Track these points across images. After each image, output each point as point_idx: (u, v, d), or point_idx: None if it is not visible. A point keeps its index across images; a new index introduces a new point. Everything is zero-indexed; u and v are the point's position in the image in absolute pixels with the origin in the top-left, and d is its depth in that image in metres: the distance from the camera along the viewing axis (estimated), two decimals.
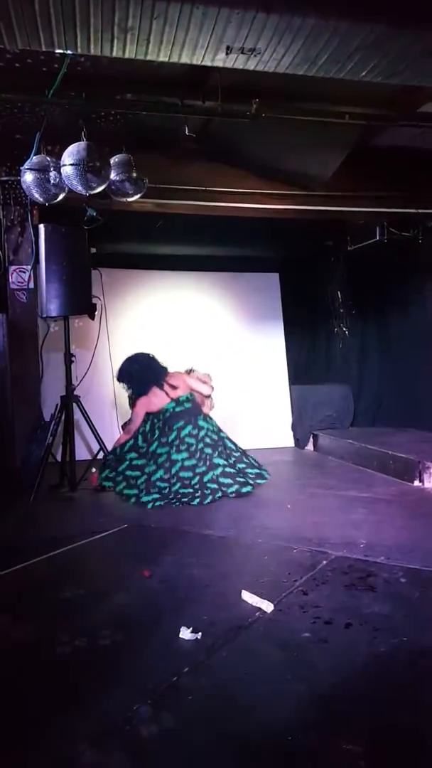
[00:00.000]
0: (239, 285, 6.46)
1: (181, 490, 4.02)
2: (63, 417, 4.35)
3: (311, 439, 6.23)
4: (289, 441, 6.33)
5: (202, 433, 4.20)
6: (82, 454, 4.94)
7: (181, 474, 4.05)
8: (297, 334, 6.85)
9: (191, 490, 4.03)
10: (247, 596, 2.36)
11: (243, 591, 2.40)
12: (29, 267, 4.57)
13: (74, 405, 4.35)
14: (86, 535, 3.27)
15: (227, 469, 4.16)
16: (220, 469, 4.14)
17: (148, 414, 4.28)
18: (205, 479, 4.07)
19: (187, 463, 4.09)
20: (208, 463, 4.13)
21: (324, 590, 2.47)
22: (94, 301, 4.47)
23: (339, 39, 2.58)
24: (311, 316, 6.98)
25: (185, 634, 2.07)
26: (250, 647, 2.02)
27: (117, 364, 4.84)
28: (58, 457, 4.52)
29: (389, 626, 2.13)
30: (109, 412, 5.50)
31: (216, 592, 2.48)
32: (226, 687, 1.79)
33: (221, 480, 4.11)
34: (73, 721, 1.65)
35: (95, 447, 4.64)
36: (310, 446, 6.23)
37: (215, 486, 4.08)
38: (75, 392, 4.40)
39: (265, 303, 6.51)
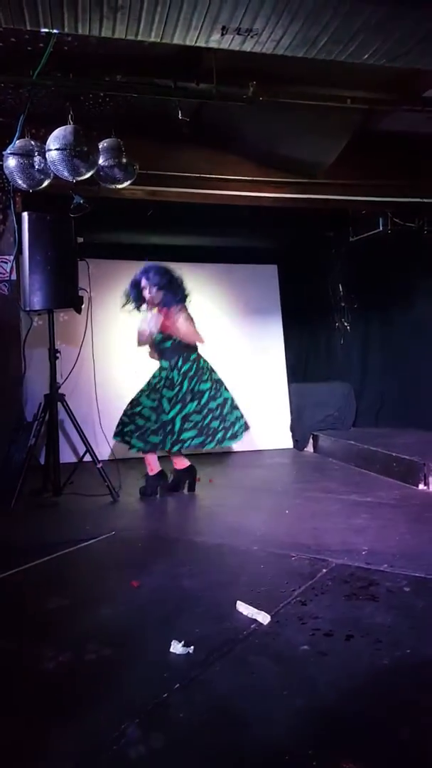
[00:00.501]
0: (235, 277, 6.46)
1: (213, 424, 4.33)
2: (46, 417, 4.34)
3: (311, 440, 6.25)
4: (287, 442, 6.36)
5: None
6: (66, 456, 4.95)
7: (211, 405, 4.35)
8: (296, 329, 6.87)
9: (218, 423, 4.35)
10: (242, 607, 2.37)
11: (238, 602, 2.41)
12: (11, 257, 4.55)
13: (59, 404, 4.35)
14: (71, 542, 3.26)
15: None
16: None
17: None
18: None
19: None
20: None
21: (324, 600, 2.48)
22: (80, 293, 4.46)
23: (340, 20, 2.59)
24: (311, 311, 7.00)
25: (176, 648, 2.07)
26: (245, 661, 2.02)
27: (100, 361, 4.87)
28: (41, 460, 4.52)
29: (392, 638, 2.14)
30: (95, 411, 5.49)
31: (209, 603, 2.49)
32: (220, 703, 1.80)
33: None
34: (57, 741, 1.65)
35: (81, 449, 4.63)
36: (309, 447, 6.25)
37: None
38: (59, 391, 4.38)
39: (262, 296, 6.52)
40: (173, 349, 4.37)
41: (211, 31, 2.67)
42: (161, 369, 4.42)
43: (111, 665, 2.02)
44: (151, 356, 4.54)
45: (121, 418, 4.39)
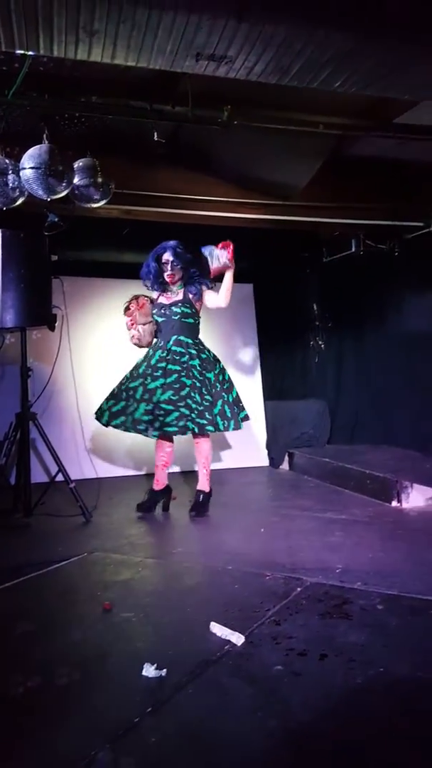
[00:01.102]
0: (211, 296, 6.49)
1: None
2: (17, 436, 4.30)
3: (286, 458, 6.27)
4: (263, 460, 6.36)
5: None
6: (38, 476, 4.89)
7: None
8: (272, 348, 6.91)
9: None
10: (216, 628, 2.37)
11: (212, 622, 2.40)
12: None
13: (30, 423, 4.31)
14: (42, 564, 3.22)
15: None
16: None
17: None
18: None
19: None
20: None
21: (298, 620, 2.49)
22: (54, 311, 4.44)
23: (312, 49, 2.65)
24: (286, 329, 7.05)
25: (149, 671, 2.06)
26: (218, 683, 2.02)
27: (79, 378, 4.85)
28: (12, 480, 4.46)
29: (366, 657, 2.15)
30: (70, 431, 5.46)
31: (182, 624, 2.48)
32: (193, 727, 1.79)
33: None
34: (26, 766, 1.63)
35: (53, 468, 4.57)
36: (285, 465, 6.26)
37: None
38: (32, 409, 4.34)
39: (238, 315, 6.55)
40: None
41: (186, 56, 2.71)
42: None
43: (82, 689, 2.00)
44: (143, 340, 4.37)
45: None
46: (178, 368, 4.16)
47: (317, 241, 6.17)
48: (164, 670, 2.06)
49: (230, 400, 4.27)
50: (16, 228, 4.25)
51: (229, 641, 2.29)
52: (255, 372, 6.61)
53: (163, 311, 4.30)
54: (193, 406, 4.11)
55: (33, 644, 2.36)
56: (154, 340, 4.36)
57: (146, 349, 4.38)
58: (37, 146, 3.77)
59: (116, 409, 4.21)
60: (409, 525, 4.02)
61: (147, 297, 4.37)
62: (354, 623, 2.44)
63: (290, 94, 3.43)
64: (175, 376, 4.14)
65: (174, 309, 4.26)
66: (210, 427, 4.16)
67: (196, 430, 4.14)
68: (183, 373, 4.15)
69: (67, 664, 2.14)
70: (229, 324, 6.44)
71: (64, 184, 3.85)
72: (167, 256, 4.19)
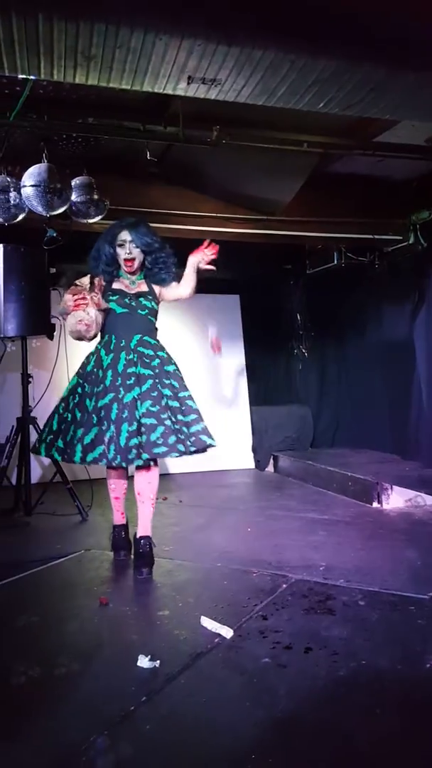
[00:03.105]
0: (200, 306, 6.49)
1: None
2: (18, 439, 4.29)
3: (271, 461, 6.28)
4: (249, 463, 6.37)
5: None
6: (37, 476, 4.88)
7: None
8: (257, 356, 6.93)
9: None
10: (207, 622, 2.37)
11: (202, 617, 2.40)
12: None
13: (30, 426, 4.30)
14: (42, 561, 3.22)
15: None
16: None
17: None
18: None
19: None
20: None
21: (284, 615, 2.50)
22: (53, 321, 4.45)
23: (297, 72, 2.68)
24: (271, 338, 7.08)
25: (143, 662, 2.06)
26: (209, 674, 2.02)
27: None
28: (13, 481, 4.45)
29: (348, 650, 2.16)
30: None
31: (174, 618, 2.48)
32: (185, 715, 1.79)
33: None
34: (24, 754, 1.62)
35: (52, 470, 4.58)
36: (270, 467, 6.28)
37: None
38: (32, 414, 4.34)
39: (225, 324, 6.57)
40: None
41: (177, 80, 2.73)
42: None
43: (80, 679, 2.00)
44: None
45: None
46: (151, 373, 3.08)
47: (301, 254, 6.21)
48: (158, 661, 2.06)
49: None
50: (17, 242, 4.26)
51: (219, 634, 2.29)
52: (241, 379, 6.63)
53: (127, 301, 3.18)
54: (179, 417, 3.09)
55: (34, 636, 2.36)
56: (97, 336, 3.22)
57: (88, 351, 3.31)
58: (37, 165, 3.79)
59: (89, 439, 2.97)
60: (389, 525, 4.03)
61: (101, 277, 3.18)
62: (337, 618, 2.45)
63: (276, 114, 3.45)
64: (150, 382, 3.06)
65: (142, 302, 3.20)
66: (196, 447, 3.12)
67: (193, 449, 3.08)
68: (158, 381, 3.09)
69: (66, 655, 2.14)
70: (217, 333, 6.46)
71: (62, 201, 3.87)
72: (125, 236, 3.14)
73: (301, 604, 2.60)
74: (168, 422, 2.99)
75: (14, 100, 3.33)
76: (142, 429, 2.95)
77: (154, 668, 2.04)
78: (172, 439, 2.96)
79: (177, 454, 3.01)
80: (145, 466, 3.09)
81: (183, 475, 5.68)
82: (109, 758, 1.57)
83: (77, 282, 3.13)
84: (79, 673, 2.03)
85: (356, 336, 6.46)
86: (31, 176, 3.77)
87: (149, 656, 2.08)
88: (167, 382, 3.12)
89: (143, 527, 3.15)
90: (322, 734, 1.70)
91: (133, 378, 3.03)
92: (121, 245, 3.15)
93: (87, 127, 3.76)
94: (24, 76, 2.69)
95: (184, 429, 3.06)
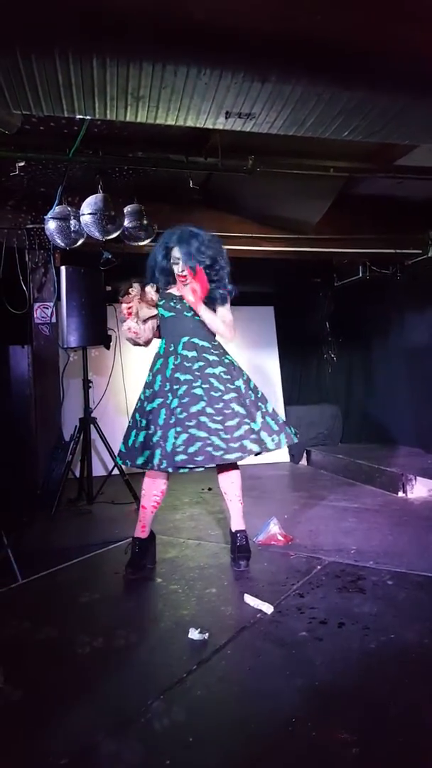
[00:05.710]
0: (238, 317, 6.36)
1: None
2: (81, 437, 4.36)
3: (305, 455, 6.22)
4: (285, 457, 6.32)
5: None
6: (98, 470, 4.95)
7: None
8: (291, 361, 6.90)
9: None
10: (249, 599, 2.35)
11: (245, 594, 2.39)
12: (52, 304, 4.64)
13: (91, 426, 4.37)
14: (102, 544, 3.26)
15: None
16: None
17: None
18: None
19: None
20: None
21: (319, 593, 2.46)
22: (109, 333, 4.53)
23: (324, 104, 2.66)
24: (303, 345, 7.03)
25: (194, 634, 2.06)
26: (252, 646, 2.01)
27: (129, 388, 4.86)
28: (77, 474, 4.52)
29: (378, 625, 2.12)
30: (123, 432, 5.49)
31: (221, 595, 2.47)
32: (231, 682, 1.78)
33: None
34: (91, 714, 1.64)
35: (110, 464, 4.65)
36: (304, 461, 6.22)
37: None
38: (92, 414, 4.41)
39: (261, 333, 6.56)
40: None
41: (216, 115, 2.74)
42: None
43: (137, 649, 2.01)
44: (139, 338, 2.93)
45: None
46: (189, 377, 2.71)
47: (329, 268, 6.15)
48: (207, 633, 2.06)
49: (270, 410, 2.97)
50: (77, 264, 4.34)
51: (260, 610, 2.27)
52: (276, 381, 6.59)
53: (172, 304, 2.83)
54: (211, 425, 2.63)
55: (96, 611, 2.38)
56: (156, 339, 2.99)
57: (143, 358, 3.08)
58: (94, 195, 3.86)
59: (139, 443, 2.74)
60: (414, 513, 3.94)
61: (153, 285, 2.90)
62: (367, 596, 2.40)
63: (305, 143, 3.43)
64: (185, 387, 2.70)
65: (187, 304, 2.77)
66: (239, 454, 2.69)
67: (229, 456, 2.64)
68: (193, 386, 2.70)
69: (125, 628, 2.15)
70: (254, 341, 6.45)
71: (116, 227, 3.93)
72: (176, 253, 2.77)
73: (335, 584, 2.55)
74: (193, 430, 2.61)
75: (73, 139, 3.41)
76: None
77: (204, 640, 2.03)
78: (192, 447, 2.59)
79: (202, 458, 2.59)
80: (225, 468, 2.87)
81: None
82: (165, 719, 1.57)
83: (130, 290, 2.87)
84: (137, 644, 2.04)
85: (380, 341, 6.37)
86: (88, 205, 3.85)
87: (199, 629, 2.07)
88: (206, 386, 2.70)
89: (236, 522, 2.95)
90: (354, 701, 1.67)
91: (177, 384, 2.72)
92: (175, 263, 2.78)
93: (137, 160, 3.81)
94: (81, 116, 2.74)
95: (222, 434, 2.64)
